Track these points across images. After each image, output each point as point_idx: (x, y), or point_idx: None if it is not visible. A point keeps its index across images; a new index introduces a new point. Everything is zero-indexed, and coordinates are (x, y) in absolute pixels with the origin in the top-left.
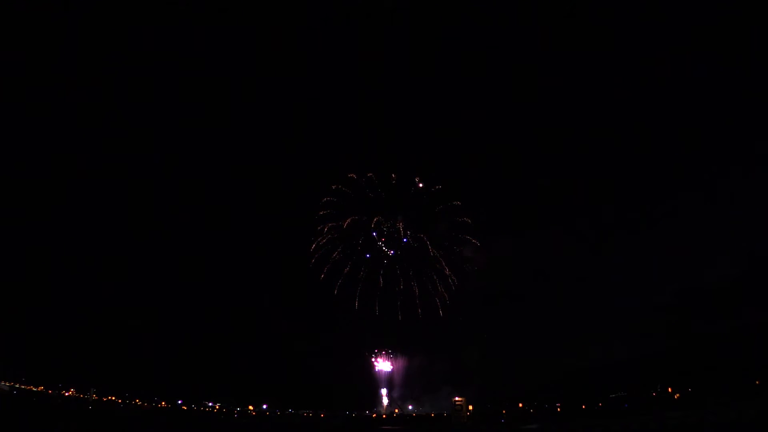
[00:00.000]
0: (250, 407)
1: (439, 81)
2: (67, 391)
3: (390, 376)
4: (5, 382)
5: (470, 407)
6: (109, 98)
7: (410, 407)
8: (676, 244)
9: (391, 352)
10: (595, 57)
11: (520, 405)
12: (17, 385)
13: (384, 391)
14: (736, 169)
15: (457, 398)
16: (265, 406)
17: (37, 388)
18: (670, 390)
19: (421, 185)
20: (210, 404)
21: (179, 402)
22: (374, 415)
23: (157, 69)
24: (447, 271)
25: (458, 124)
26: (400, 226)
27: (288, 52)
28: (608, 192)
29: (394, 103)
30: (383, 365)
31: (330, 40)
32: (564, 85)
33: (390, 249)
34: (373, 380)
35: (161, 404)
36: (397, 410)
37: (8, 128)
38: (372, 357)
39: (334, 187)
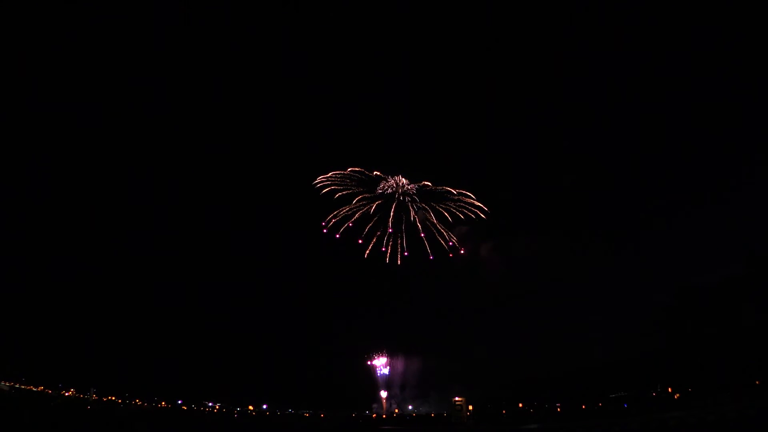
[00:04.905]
0: (250, 407)
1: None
2: (67, 391)
3: (390, 376)
4: (5, 382)
5: (470, 407)
6: (110, 97)
7: (410, 407)
8: (676, 244)
9: (392, 352)
10: (596, 56)
11: (520, 405)
12: (17, 385)
13: (384, 392)
14: (736, 170)
15: (457, 398)
16: (265, 406)
17: (37, 388)
18: (670, 390)
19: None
20: (210, 404)
21: (179, 402)
22: (374, 415)
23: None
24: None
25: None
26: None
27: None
28: (608, 193)
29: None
30: (383, 365)
31: (335, 40)
32: (561, 86)
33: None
34: (373, 380)
35: (161, 404)
36: (396, 410)
37: (8, 128)
38: (372, 357)
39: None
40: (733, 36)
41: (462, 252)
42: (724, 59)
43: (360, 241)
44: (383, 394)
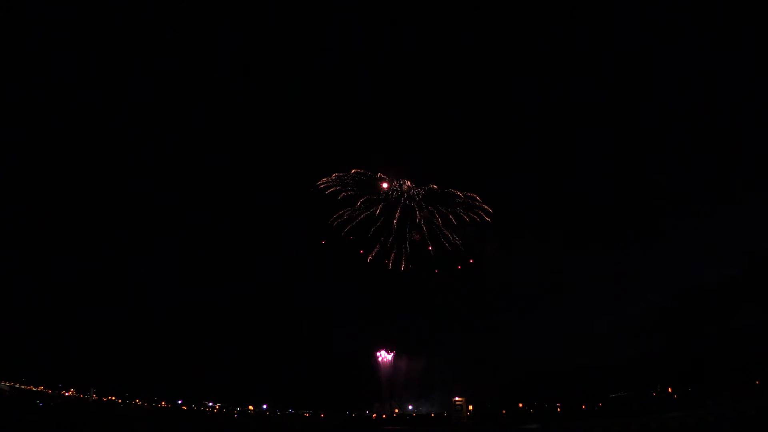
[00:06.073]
0: (250, 407)
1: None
2: (67, 391)
3: (391, 376)
4: (5, 382)
5: (470, 407)
6: (109, 96)
7: (410, 407)
8: (676, 244)
9: (393, 353)
10: (597, 57)
11: (520, 405)
12: (17, 385)
13: (384, 392)
14: (736, 170)
15: (457, 398)
16: (265, 406)
17: (37, 388)
18: (670, 390)
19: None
20: (210, 404)
21: (179, 402)
22: (374, 415)
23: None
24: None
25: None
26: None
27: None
28: (608, 193)
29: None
30: (384, 365)
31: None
32: (562, 87)
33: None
34: (373, 380)
35: (161, 404)
36: (396, 410)
37: (8, 128)
38: (373, 357)
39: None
40: (735, 37)
41: (471, 262)
42: (724, 60)
43: (361, 252)
44: (384, 394)
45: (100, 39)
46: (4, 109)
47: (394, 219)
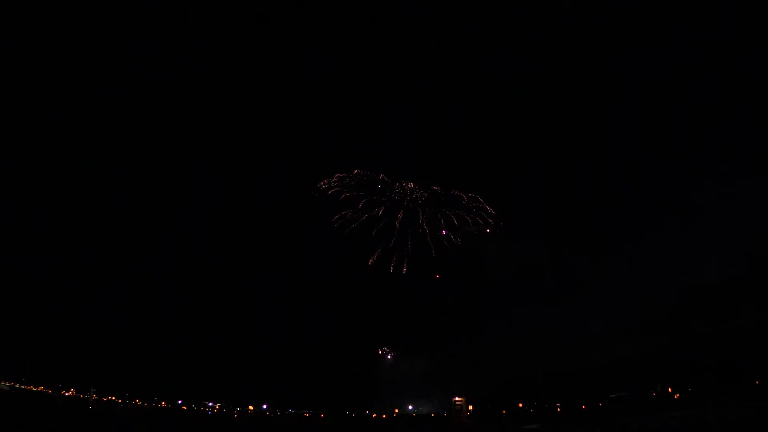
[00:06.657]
0: (250, 407)
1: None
2: (67, 391)
3: (391, 375)
4: (5, 382)
5: (470, 407)
6: (108, 96)
7: (410, 407)
8: (676, 244)
9: (393, 352)
10: (596, 58)
11: (520, 405)
12: (17, 385)
13: (384, 390)
14: (736, 169)
15: (457, 398)
16: (265, 406)
17: (37, 388)
18: (670, 390)
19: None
20: (210, 404)
21: (179, 402)
22: (374, 415)
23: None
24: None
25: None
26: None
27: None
28: (608, 192)
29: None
30: (385, 365)
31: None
32: (562, 87)
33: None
34: (373, 380)
35: (161, 404)
36: (396, 410)
37: (8, 128)
38: (374, 356)
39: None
40: (733, 35)
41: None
42: (723, 59)
43: (362, 253)
44: (383, 394)
45: (100, 39)
46: (4, 109)
47: (397, 221)
